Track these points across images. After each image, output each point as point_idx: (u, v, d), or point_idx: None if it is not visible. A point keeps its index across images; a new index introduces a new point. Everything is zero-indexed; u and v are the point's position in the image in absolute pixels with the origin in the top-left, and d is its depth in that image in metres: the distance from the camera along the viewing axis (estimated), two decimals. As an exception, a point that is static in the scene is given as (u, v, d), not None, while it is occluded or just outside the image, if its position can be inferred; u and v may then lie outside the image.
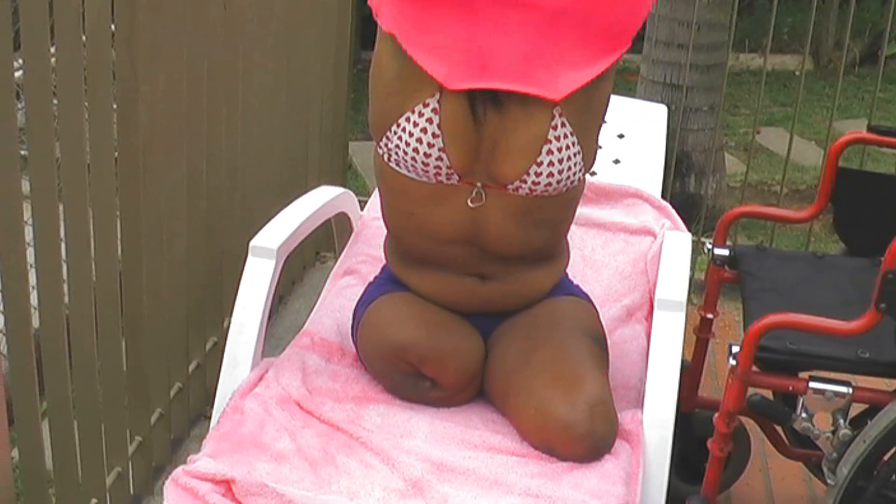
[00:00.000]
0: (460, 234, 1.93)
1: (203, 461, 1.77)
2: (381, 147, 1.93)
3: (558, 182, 1.88)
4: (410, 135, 1.84)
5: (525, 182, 1.87)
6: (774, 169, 5.98)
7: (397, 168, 1.91)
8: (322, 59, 3.53)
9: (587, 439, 1.83)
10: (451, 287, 2.02)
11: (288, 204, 2.36)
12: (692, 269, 2.99)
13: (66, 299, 2.05)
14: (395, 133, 1.86)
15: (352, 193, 2.54)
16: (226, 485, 1.73)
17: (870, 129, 2.59)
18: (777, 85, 7.82)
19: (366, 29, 3.67)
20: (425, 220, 1.94)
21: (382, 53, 1.87)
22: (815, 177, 5.73)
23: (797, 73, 8.01)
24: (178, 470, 1.75)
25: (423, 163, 1.86)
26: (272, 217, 2.27)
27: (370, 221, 2.62)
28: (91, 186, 2.06)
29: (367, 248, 2.53)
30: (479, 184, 1.89)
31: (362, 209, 2.65)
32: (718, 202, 4.94)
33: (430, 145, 1.84)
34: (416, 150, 1.85)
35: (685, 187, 4.86)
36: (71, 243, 2.01)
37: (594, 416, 1.84)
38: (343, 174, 3.99)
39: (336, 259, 2.59)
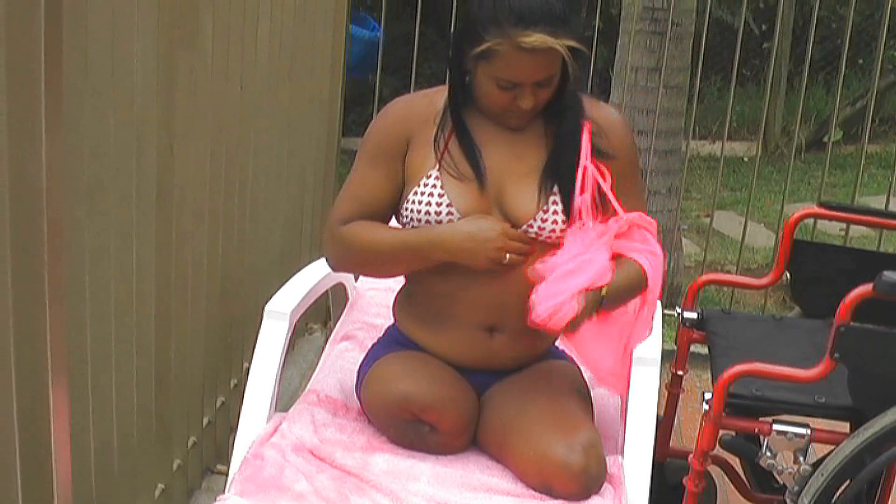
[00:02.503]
0: (484, 274, 2.13)
1: (233, 499, 1.93)
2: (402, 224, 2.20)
3: (563, 222, 2.11)
4: (420, 202, 2.12)
5: (536, 220, 2.11)
6: (726, 250, 6.09)
7: None
8: (316, 143, 3.74)
9: (582, 477, 2.02)
10: (461, 339, 2.20)
11: (286, 274, 2.51)
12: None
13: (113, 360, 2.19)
14: (407, 208, 2.14)
15: (348, 265, 2.71)
16: (255, 521, 1.89)
17: (820, 204, 2.80)
18: (726, 170, 7.86)
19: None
20: (453, 266, 2.13)
21: None
22: (765, 256, 5.86)
23: (745, 158, 8.16)
24: (211, 508, 1.92)
25: (436, 221, 2.11)
26: (275, 286, 2.42)
27: (364, 292, 2.80)
28: (136, 252, 2.21)
29: (363, 316, 2.70)
30: None
31: (356, 280, 2.80)
32: (676, 280, 5.08)
33: (438, 205, 2.11)
34: (427, 212, 2.11)
35: (645, 266, 5.01)
36: (115, 304, 2.15)
37: (589, 457, 2.03)
38: (330, 248, 4.14)
39: (333, 326, 2.74)
